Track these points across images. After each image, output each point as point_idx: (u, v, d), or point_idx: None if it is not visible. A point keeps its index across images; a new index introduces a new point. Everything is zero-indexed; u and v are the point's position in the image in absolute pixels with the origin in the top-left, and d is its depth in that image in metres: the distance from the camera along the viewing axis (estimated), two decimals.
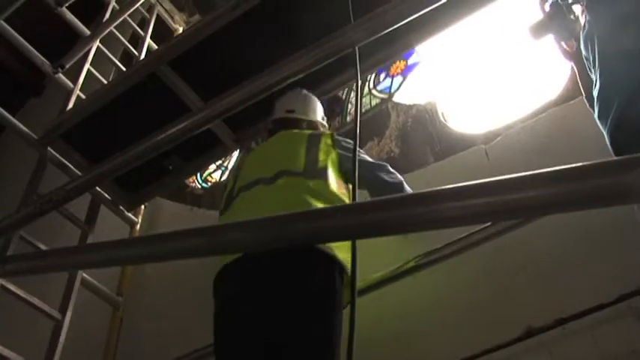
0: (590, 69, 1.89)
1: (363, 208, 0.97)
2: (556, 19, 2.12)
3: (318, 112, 2.80)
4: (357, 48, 1.75)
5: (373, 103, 3.46)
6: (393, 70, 3.57)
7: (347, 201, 2.23)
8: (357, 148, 1.74)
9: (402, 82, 3.44)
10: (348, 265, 2.03)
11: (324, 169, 2.28)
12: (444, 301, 2.29)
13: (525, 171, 1.87)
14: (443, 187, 0.93)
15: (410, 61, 3.51)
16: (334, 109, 3.67)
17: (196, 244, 1.21)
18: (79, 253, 1.31)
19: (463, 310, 2.24)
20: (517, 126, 2.71)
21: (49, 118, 3.46)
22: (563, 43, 2.17)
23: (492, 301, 2.22)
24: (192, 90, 3.05)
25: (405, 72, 3.49)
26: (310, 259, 2.01)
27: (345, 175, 2.34)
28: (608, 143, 1.68)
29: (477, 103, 3.16)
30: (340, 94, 3.66)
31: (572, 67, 2.63)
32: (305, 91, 2.81)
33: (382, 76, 3.63)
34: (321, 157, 2.35)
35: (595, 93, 1.80)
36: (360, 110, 2.24)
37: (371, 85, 3.59)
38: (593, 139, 1.90)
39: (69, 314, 2.92)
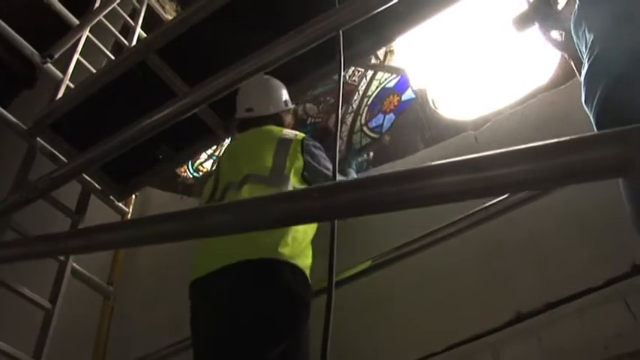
0: (581, 54, 1.88)
1: (343, 187, 0.96)
2: (541, 10, 2.12)
3: (280, 100, 2.74)
4: (341, 32, 1.73)
5: (364, 141, 3.23)
6: (386, 105, 3.36)
7: None
8: (337, 153, 1.77)
9: (394, 121, 3.17)
10: (307, 271, 2.15)
11: (288, 177, 2.31)
12: (432, 286, 2.29)
13: None
14: (422, 165, 0.92)
15: (404, 97, 3.29)
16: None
17: (179, 228, 1.20)
18: (67, 238, 1.30)
19: (452, 294, 2.24)
20: (506, 112, 2.70)
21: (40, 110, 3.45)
22: (551, 33, 2.16)
23: (481, 286, 2.22)
24: (181, 79, 3.02)
25: (398, 108, 3.25)
26: (270, 272, 2.05)
27: (306, 182, 2.38)
28: (594, 127, 1.68)
29: (467, 89, 3.15)
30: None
31: (563, 55, 2.63)
32: (264, 77, 2.73)
33: (375, 110, 3.35)
34: (288, 164, 2.36)
35: (582, 78, 1.79)
36: (341, 103, 2.22)
37: (362, 121, 3.34)
38: (583, 125, 1.89)
39: (59, 304, 2.91)
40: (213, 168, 2.75)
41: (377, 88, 3.44)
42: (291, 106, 2.81)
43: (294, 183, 2.32)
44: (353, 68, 3.55)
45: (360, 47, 2.90)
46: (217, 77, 1.83)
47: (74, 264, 3.11)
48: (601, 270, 2.03)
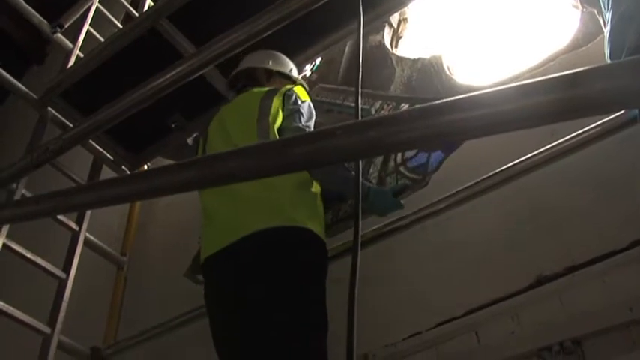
0: (604, 8, 1.82)
1: (367, 124, 0.92)
2: None
3: (284, 64, 2.62)
4: None
5: (397, 182, 2.60)
6: None
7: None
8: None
9: (442, 159, 2.51)
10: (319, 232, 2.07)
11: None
12: (452, 251, 2.25)
13: None
14: (450, 99, 0.87)
15: None
16: None
17: (193, 176, 1.15)
18: (80, 192, 1.26)
19: (472, 259, 2.20)
20: (525, 75, 2.64)
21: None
22: None
23: (503, 250, 2.17)
24: (193, 45, 2.97)
25: (449, 145, 2.59)
26: (277, 243, 1.99)
27: None
28: None
29: (483, 54, 3.09)
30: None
31: (581, 18, 2.57)
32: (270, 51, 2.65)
33: None
34: (271, 126, 2.22)
35: (606, 34, 1.74)
36: (361, 70, 2.14)
37: (398, 160, 2.68)
38: None
39: (72, 273, 2.91)
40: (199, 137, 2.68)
41: None
42: (295, 74, 2.67)
43: None
44: (381, 102, 2.99)
45: (381, 8, 2.83)
46: (228, 34, 1.78)
47: (87, 234, 3.10)
48: (625, 232, 1.97)
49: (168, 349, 2.87)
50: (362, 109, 2.33)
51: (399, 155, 2.66)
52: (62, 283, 2.86)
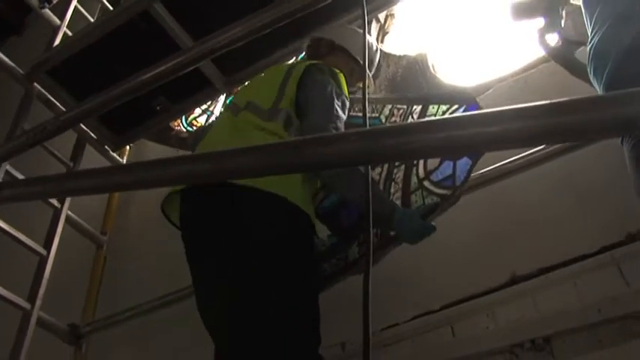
0: (587, 24, 1.88)
1: (383, 132, 0.97)
2: (546, 3, 1.98)
3: (350, 41, 2.43)
4: None
5: (429, 201, 2.20)
6: None
7: None
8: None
9: (470, 167, 2.17)
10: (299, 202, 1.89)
11: (284, 111, 2.05)
12: (430, 247, 2.31)
13: None
14: (459, 115, 0.93)
15: None
16: None
17: (202, 170, 1.20)
18: (77, 178, 1.29)
19: (450, 256, 2.28)
20: (508, 79, 2.73)
21: (32, 56, 3.41)
22: (547, 36, 2.05)
23: (480, 250, 2.26)
24: (185, 31, 2.99)
25: None
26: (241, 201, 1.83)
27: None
28: None
29: (469, 54, 3.16)
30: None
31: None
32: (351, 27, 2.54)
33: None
34: (286, 94, 2.10)
35: (589, 49, 1.80)
36: (366, 62, 2.12)
37: (421, 174, 2.30)
38: (582, 95, 1.92)
39: (53, 250, 2.92)
40: None
41: None
42: (359, 63, 2.41)
43: (294, 117, 2.05)
44: (390, 106, 2.69)
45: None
46: (229, 29, 1.81)
47: (69, 211, 3.12)
48: (596, 238, 2.08)
49: (147, 329, 2.91)
50: (370, 117, 2.29)
51: (421, 167, 2.32)
52: (43, 260, 2.88)
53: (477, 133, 0.82)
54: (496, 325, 2.09)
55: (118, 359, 2.99)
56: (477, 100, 2.34)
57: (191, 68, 1.93)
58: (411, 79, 3.14)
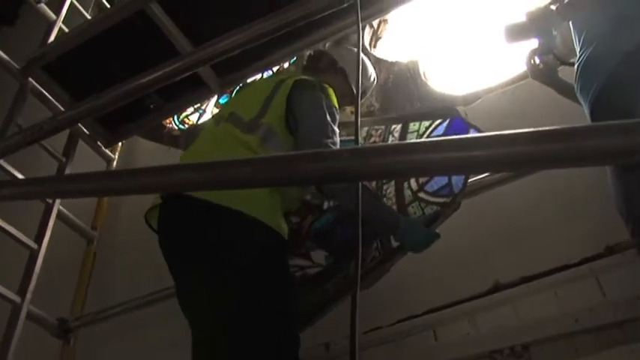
0: (575, 43, 1.93)
1: (376, 151, 1.01)
2: (539, 25, 2.00)
3: (350, 64, 2.41)
4: None
5: (427, 211, 2.24)
6: None
7: None
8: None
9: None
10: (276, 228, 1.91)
11: (266, 125, 2.05)
12: (416, 255, 2.36)
13: None
14: (443, 139, 0.98)
15: None
16: None
17: (200, 178, 1.23)
18: (76, 181, 1.33)
19: (436, 262, 2.33)
20: (497, 90, 2.79)
21: (24, 48, 3.45)
22: (536, 57, 2.10)
23: (464, 257, 2.32)
24: (181, 32, 3.01)
25: None
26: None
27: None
28: (587, 116, 1.75)
29: (459, 64, 3.21)
30: None
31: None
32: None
33: None
34: (271, 108, 2.10)
35: (577, 67, 1.84)
36: (360, 77, 2.15)
37: (414, 187, 2.34)
38: (570, 108, 2.00)
39: (45, 244, 2.95)
40: None
41: None
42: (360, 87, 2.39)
43: (277, 131, 2.05)
44: (367, 128, 2.66)
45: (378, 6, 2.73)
46: (229, 36, 1.86)
47: (60, 207, 3.14)
48: (576, 250, 2.15)
49: (135, 324, 2.95)
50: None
51: (413, 181, 2.36)
52: (34, 254, 2.90)
53: (470, 155, 0.87)
54: (477, 331, 2.15)
55: (106, 354, 3.02)
56: (462, 112, 2.38)
57: (189, 73, 1.97)
58: (402, 85, 3.21)
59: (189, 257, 1.90)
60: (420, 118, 2.51)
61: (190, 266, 1.89)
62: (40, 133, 1.91)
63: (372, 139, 2.60)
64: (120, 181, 1.30)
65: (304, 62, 2.59)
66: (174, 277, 2.01)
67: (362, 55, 2.31)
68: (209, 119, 2.27)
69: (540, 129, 0.90)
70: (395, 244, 2.18)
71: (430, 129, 2.44)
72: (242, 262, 1.80)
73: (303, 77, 2.24)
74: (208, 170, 1.22)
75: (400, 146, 0.99)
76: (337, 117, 2.15)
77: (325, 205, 2.45)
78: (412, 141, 0.93)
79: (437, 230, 2.08)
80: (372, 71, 2.62)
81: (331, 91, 2.23)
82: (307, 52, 2.58)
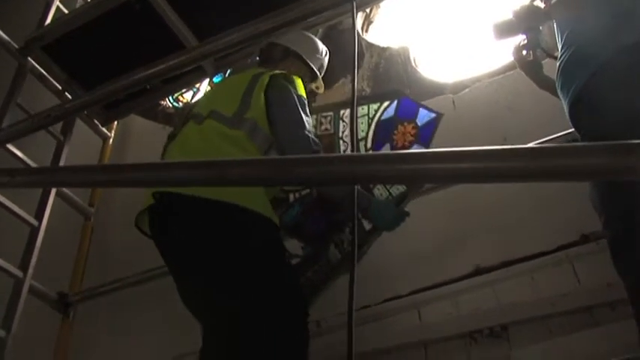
0: (558, 40, 2.00)
1: (369, 159, 1.11)
2: (527, 22, 2.07)
3: (304, 47, 2.54)
4: None
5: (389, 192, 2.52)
6: (399, 140, 2.79)
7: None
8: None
9: None
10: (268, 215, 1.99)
11: (250, 120, 2.13)
12: (403, 238, 2.45)
13: (488, 123, 2.09)
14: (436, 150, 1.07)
15: (420, 121, 2.83)
16: None
17: (201, 175, 1.31)
18: (86, 171, 1.42)
19: (421, 247, 2.46)
20: (484, 80, 2.87)
21: (20, 23, 3.48)
22: (524, 51, 2.15)
23: (447, 242, 2.45)
24: (181, 20, 3.07)
25: (422, 137, 2.71)
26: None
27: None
28: (566, 114, 1.85)
29: (450, 51, 3.27)
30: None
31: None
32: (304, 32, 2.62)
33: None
34: (252, 104, 2.17)
35: (559, 65, 1.90)
36: (357, 61, 2.21)
37: None
38: (554, 102, 2.08)
39: (45, 220, 3.04)
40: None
41: (369, 125, 2.96)
42: (314, 65, 2.58)
43: (262, 126, 2.14)
44: (316, 115, 2.82)
45: None
46: (230, 33, 1.93)
47: None
48: (553, 237, 2.26)
49: (133, 298, 3.05)
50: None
51: None
52: (34, 230, 3.00)
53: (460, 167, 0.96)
54: (459, 311, 2.28)
55: (104, 327, 3.12)
56: (407, 94, 2.58)
57: (193, 66, 2.05)
58: (393, 70, 3.28)
59: (193, 255, 1.97)
60: (368, 101, 2.72)
61: (196, 264, 1.96)
62: (47, 119, 2.00)
63: (324, 127, 2.79)
64: (141, 172, 1.37)
65: (257, 57, 2.61)
66: (174, 277, 2.10)
67: (304, 32, 2.51)
68: (186, 120, 2.29)
69: (522, 146, 1.00)
70: (368, 226, 2.29)
71: (380, 111, 2.70)
72: (247, 252, 1.90)
73: (277, 72, 2.31)
74: (219, 168, 1.30)
75: (390, 156, 1.09)
76: (306, 103, 2.26)
77: (291, 198, 2.58)
78: (398, 152, 1.03)
79: (406, 209, 2.20)
80: (321, 46, 2.67)
81: (298, 81, 2.32)
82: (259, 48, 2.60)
